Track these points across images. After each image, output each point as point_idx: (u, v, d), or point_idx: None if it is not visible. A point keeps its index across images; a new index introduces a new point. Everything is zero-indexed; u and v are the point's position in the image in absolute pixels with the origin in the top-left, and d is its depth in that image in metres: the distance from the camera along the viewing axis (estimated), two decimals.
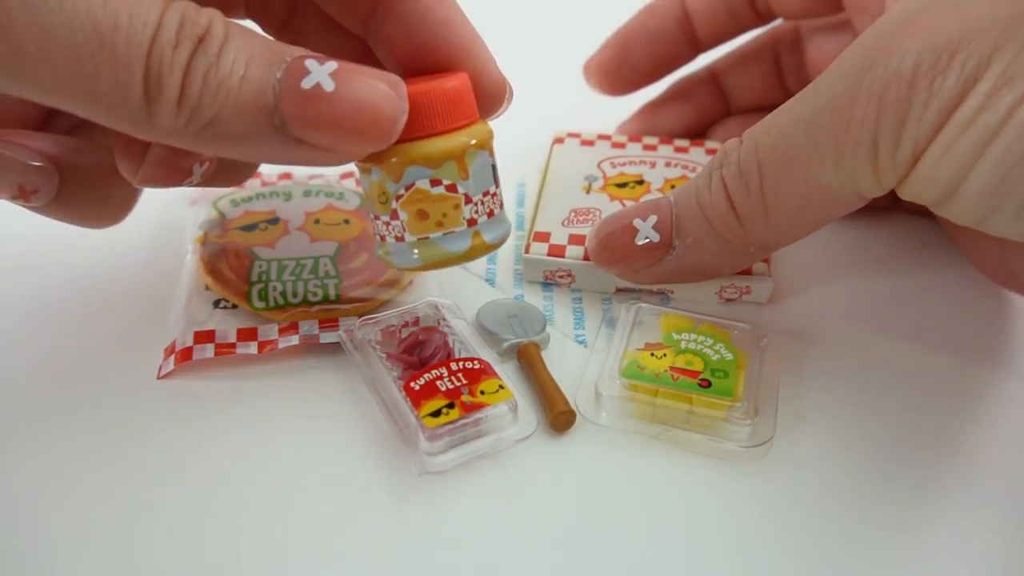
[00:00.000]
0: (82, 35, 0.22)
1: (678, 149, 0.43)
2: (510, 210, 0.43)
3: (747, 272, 0.36)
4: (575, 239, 0.37)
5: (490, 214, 0.29)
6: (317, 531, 0.28)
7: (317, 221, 0.39)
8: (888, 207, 0.41)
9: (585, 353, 0.34)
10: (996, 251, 0.34)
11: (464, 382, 0.30)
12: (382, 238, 0.30)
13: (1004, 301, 0.37)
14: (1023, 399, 0.33)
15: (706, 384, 0.30)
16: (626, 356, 0.32)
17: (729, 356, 0.31)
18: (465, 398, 0.29)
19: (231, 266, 0.36)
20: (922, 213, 0.41)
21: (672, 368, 0.31)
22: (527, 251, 0.37)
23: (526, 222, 0.42)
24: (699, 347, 0.32)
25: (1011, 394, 0.33)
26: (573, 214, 0.39)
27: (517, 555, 0.27)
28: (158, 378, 0.32)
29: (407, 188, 0.28)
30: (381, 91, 0.25)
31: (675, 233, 0.32)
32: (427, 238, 0.29)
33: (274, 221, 0.39)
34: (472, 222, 0.29)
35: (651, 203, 0.33)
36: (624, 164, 0.42)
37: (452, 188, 0.28)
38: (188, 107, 0.24)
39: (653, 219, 0.33)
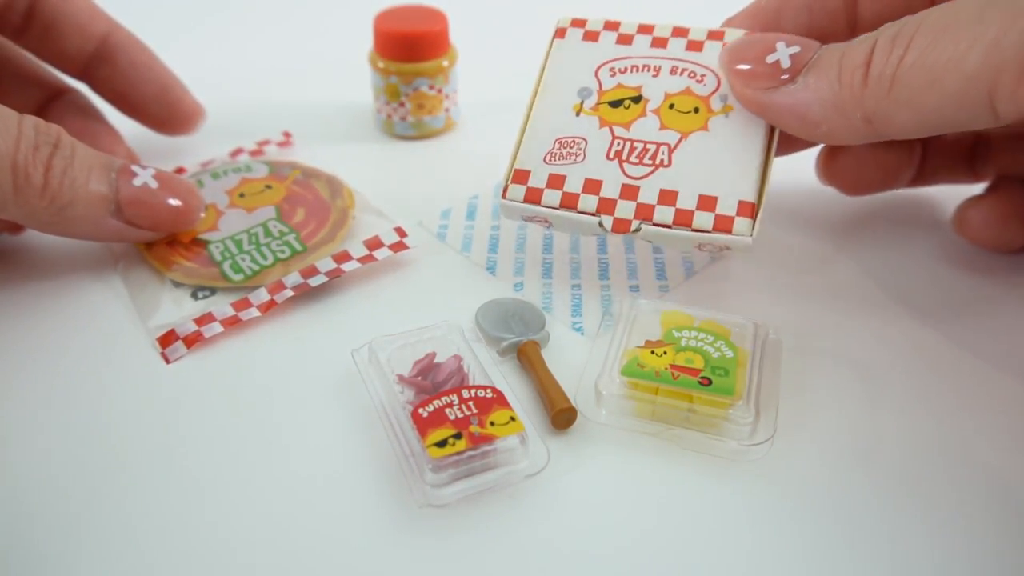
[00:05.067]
0: None
1: (691, 46, 0.37)
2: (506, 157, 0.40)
3: (727, 230, 0.33)
4: (554, 181, 0.35)
5: (453, 104, 0.50)
6: (313, 560, 0.27)
7: (242, 195, 0.42)
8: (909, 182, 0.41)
9: (585, 351, 0.34)
10: None
11: (474, 411, 0.29)
12: (389, 116, 0.49)
13: (1007, 297, 0.37)
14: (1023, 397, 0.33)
15: (706, 382, 0.30)
16: (626, 354, 0.31)
17: (730, 354, 0.31)
18: (473, 429, 0.28)
19: (187, 256, 0.38)
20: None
21: (672, 366, 0.31)
22: (504, 195, 0.35)
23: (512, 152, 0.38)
24: (700, 344, 0.31)
25: (1013, 393, 0.33)
26: (557, 145, 0.36)
27: (516, 550, 0.27)
28: (169, 363, 0.33)
29: (414, 89, 0.47)
30: (189, 190, 0.38)
31: (805, 70, 0.32)
32: (421, 119, 0.49)
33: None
34: (446, 110, 0.49)
35: (802, 38, 0.33)
36: (625, 71, 0.38)
37: (439, 90, 0.48)
38: (49, 194, 0.33)
39: (795, 49, 0.33)
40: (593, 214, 0.34)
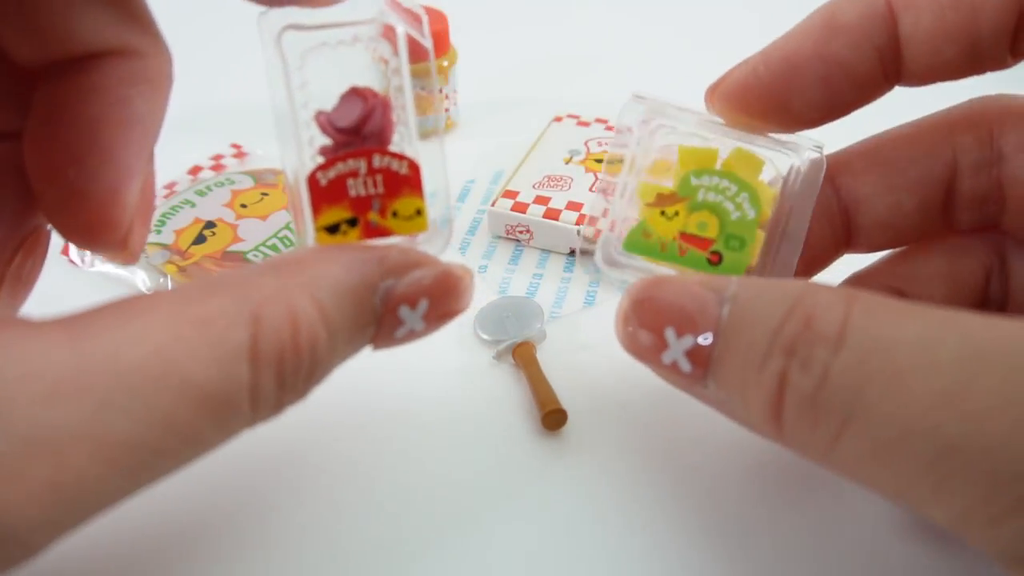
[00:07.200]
0: None
1: None
2: (505, 157, 0.46)
3: None
4: (540, 200, 0.40)
5: (453, 104, 0.50)
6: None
7: (243, 205, 0.41)
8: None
9: (585, 356, 0.34)
10: None
11: (380, 191, 0.23)
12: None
13: None
14: None
15: (716, 260, 0.26)
16: (641, 191, 0.27)
17: (751, 213, 0.26)
18: (372, 216, 0.23)
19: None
20: None
21: (682, 235, 0.26)
22: (493, 204, 0.39)
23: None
24: (718, 199, 0.26)
25: None
26: (547, 179, 0.41)
27: (511, 547, 0.27)
28: None
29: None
30: (463, 300, 0.24)
31: (710, 373, 0.22)
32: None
33: (211, 225, 0.40)
34: (446, 110, 0.49)
35: (696, 300, 0.22)
36: (611, 144, 0.42)
37: (439, 90, 0.46)
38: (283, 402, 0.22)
39: (689, 340, 0.22)
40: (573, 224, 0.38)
